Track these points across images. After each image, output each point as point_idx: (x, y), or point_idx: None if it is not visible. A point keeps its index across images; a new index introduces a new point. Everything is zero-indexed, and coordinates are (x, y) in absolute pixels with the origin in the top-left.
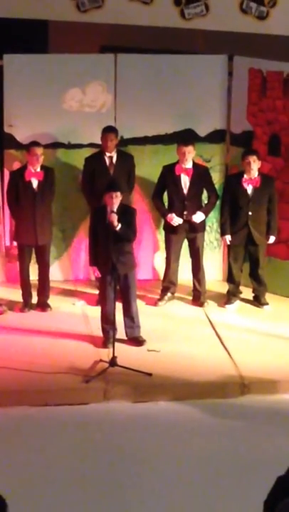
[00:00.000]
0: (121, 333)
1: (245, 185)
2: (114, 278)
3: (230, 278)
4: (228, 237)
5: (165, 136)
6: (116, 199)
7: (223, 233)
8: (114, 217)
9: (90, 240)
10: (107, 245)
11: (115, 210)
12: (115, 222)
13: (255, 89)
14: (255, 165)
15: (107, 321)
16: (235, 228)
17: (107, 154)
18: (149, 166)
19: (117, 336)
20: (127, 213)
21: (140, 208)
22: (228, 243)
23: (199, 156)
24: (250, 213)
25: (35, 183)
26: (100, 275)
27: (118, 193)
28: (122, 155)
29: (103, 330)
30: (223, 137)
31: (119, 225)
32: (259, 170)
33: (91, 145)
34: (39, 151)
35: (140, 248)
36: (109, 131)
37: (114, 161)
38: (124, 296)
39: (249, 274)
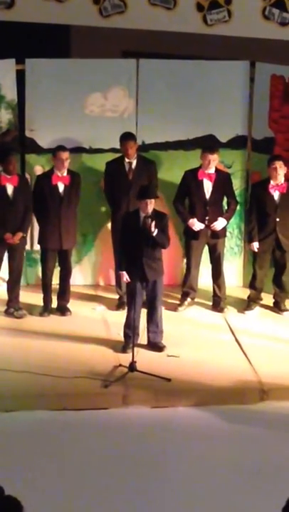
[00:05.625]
0: (140, 338)
1: (271, 191)
2: (143, 284)
3: (253, 284)
4: (255, 244)
5: (186, 142)
6: (150, 205)
7: (250, 240)
8: (152, 223)
9: (120, 245)
10: (140, 251)
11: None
12: (152, 228)
13: (277, 95)
14: (281, 170)
15: (131, 326)
16: (262, 235)
17: (127, 160)
18: (169, 171)
19: (137, 342)
20: (160, 219)
21: None
22: (256, 250)
23: (220, 162)
24: (277, 219)
25: (61, 188)
26: (129, 280)
27: (152, 200)
28: (143, 161)
29: (125, 335)
30: (244, 143)
31: (156, 231)
32: (285, 176)
33: (112, 150)
34: (65, 155)
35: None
36: (127, 138)
37: (134, 167)
38: (151, 302)
39: (272, 279)
